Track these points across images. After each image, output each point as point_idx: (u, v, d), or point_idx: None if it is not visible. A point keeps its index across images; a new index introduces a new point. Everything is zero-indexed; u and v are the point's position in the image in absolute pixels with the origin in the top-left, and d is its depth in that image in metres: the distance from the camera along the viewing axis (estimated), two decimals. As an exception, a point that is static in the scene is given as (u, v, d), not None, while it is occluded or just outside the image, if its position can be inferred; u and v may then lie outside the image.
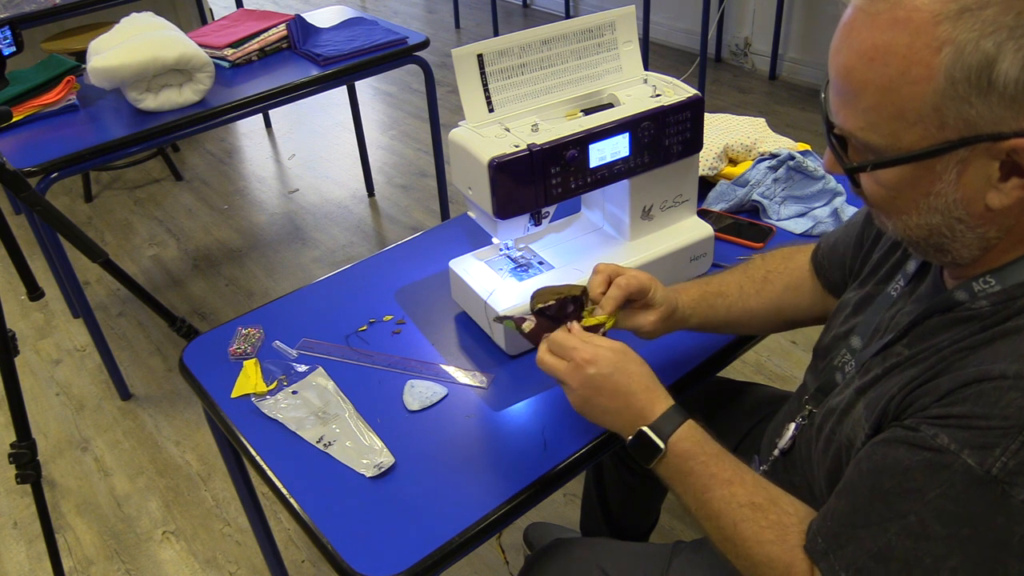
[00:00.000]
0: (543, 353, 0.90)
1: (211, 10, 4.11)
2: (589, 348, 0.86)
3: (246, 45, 2.37)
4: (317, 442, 1.02)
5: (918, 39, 0.60)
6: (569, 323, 0.93)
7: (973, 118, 0.60)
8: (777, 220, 1.39)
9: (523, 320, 0.95)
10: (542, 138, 1.05)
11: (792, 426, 0.91)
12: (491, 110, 1.10)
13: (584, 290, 0.96)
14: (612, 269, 0.96)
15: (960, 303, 0.71)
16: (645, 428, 0.83)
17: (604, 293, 0.94)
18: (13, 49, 2.20)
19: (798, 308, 1.05)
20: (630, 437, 0.84)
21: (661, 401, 0.85)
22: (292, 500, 0.95)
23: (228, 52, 2.33)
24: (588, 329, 0.93)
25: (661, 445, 0.82)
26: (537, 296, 0.96)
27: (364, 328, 1.22)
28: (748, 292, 1.04)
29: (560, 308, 0.95)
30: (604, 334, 0.94)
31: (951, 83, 0.60)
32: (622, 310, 0.96)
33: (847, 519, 0.70)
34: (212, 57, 2.25)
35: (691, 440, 0.82)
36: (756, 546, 0.76)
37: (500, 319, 1.01)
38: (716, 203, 1.44)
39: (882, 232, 0.91)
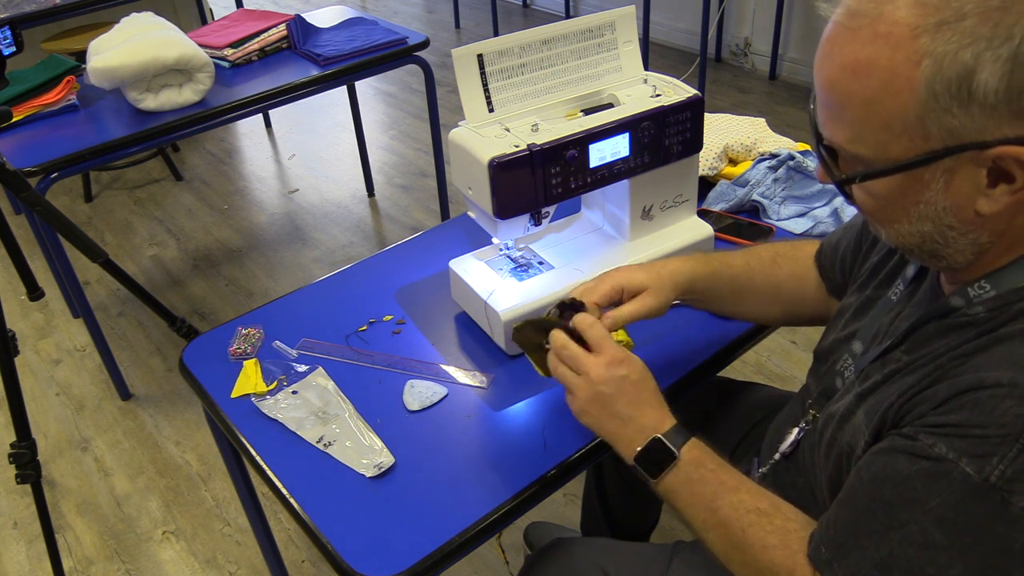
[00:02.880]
0: (552, 360, 0.90)
1: (211, 10, 4.11)
2: (621, 350, 0.88)
3: (246, 45, 2.37)
4: (317, 442, 1.02)
5: (898, 52, 0.61)
6: (569, 318, 0.93)
7: (956, 128, 0.61)
8: (777, 220, 1.39)
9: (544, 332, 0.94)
10: (542, 138, 1.05)
11: (795, 430, 0.92)
12: (491, 110, 1.10)
13: (574, 300, 0.94)
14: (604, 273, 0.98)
15: (956, 309, 0.71)
16: (660, 435, 0.84)
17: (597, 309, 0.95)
18: (13, 49, 2.20)
19: (801, 299, 1.05)
20: (639, 448, 0.84)
21: (670, 417, 0.87)
22: (292, 500, 0.95)
23: (228, 52, 2.33)
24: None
25: (676, 452, 0.83)
26: (518, 332, 0.95)
27: (364, 328, 1.22)
28: (754, 268, 1.04)
29: (560, 313, 0.94)
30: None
31: (932, 95, 0.60)
32: (620, 310, 0.97)
33: (850, 528, 0.70)
34: (212, 57, 2.25)
35: (701, 448, 0.83)
36: (761, 551, 0.76)
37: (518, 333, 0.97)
38: (716, 203, 1.44)
39: None
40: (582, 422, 0.89)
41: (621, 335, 0.96)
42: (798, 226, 1.37)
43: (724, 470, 0.82)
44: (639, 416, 0.85)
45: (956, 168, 0.63)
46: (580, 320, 0.89)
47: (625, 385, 0.86)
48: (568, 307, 0.94)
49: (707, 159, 1.47)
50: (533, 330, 0.95)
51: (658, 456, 0.83)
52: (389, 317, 1.25)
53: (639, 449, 0.84)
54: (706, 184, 1.48)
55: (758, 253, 1.06)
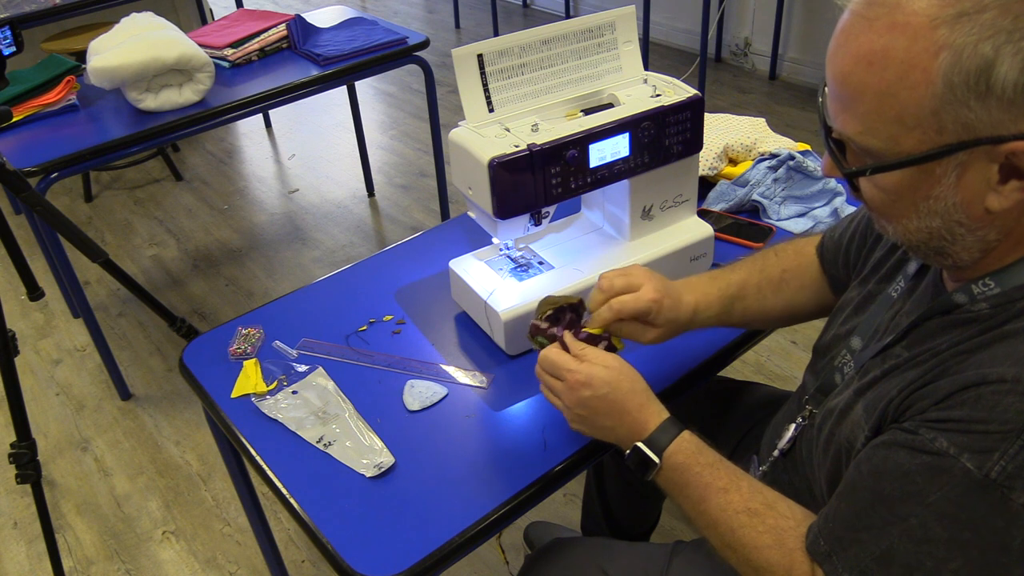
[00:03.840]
0: (538, 369, 0.92)
1: (211, 10, 4.11)
2: (584, 369, 0.87)
3: (246, 45, 2.37)
4: (317, 442, 1.02)
5: (916, 44, 0.60)
6: (561, 331, 0.93)
7: (972, 122, 0.60)
8: (777, 220, 1.39)
9: (554, 338, 0.95)
10: (542, 138, 1.05)
11: (792, 427, 0.92)
12: (491, 110, 1.10)
13: (581, 301, 0.96)
14: (613, 289, 0.95)
15: (959, 305, 0.71)
16: (640, 444, 0.85)
17: (608, 322, 0.95)
18: (13, 49, 2.20)
19: (807, 304, 1.05)
20: (627, 452, 0.86)
21: (655, 416, 0.86)
22: (292, 500, 0.95)
23: (228, 52, 2.33)
24: (590, 338, 0.94)
25: (656, 459, 0.83)
26: (542, 304, 0.97)
27: (364, 328, 1.22)
28: (765, 294, 1.04)
29: (557, 315, 0.95)
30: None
31: (949, 87, 0.60)
32: (622, 322, 0.96)
33: (849, 522, 0.70)
34: (212, 57, 2.25)
35: (685, 452, 0.83)
36: (755, 552, 0.76)
37: (534, 338, 0.99)
38: (716, 203, 1.44)
39: None
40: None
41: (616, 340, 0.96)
42: (798, 226, 1.37)
43: (713, 470, 0.81)
44: (619, 426, 0.87)
45: (968, 163, 0.63)
46: (542, 358, 0.91)
47: (594, 403, 0.87)
48: (567, 308, 0.95)
49: (707, 159, 1.47)
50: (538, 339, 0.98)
51: (641, 463, 0.84)
52: (389, 317, 1.25)
53: (627, 453, 0.86)
54: (706, 184, 1.48)
55: (768, 273, 1.04)
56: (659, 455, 0.83)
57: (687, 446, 0.83)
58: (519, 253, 1.23)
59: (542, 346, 0.96)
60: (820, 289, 1.04)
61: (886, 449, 0.69)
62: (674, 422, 0.86)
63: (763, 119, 1.58)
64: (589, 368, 0.87)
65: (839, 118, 0.67)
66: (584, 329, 0.95)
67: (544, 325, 0.96)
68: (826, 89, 0.69)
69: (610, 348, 0.95)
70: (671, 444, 0.83)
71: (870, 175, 0.68)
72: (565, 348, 0.92)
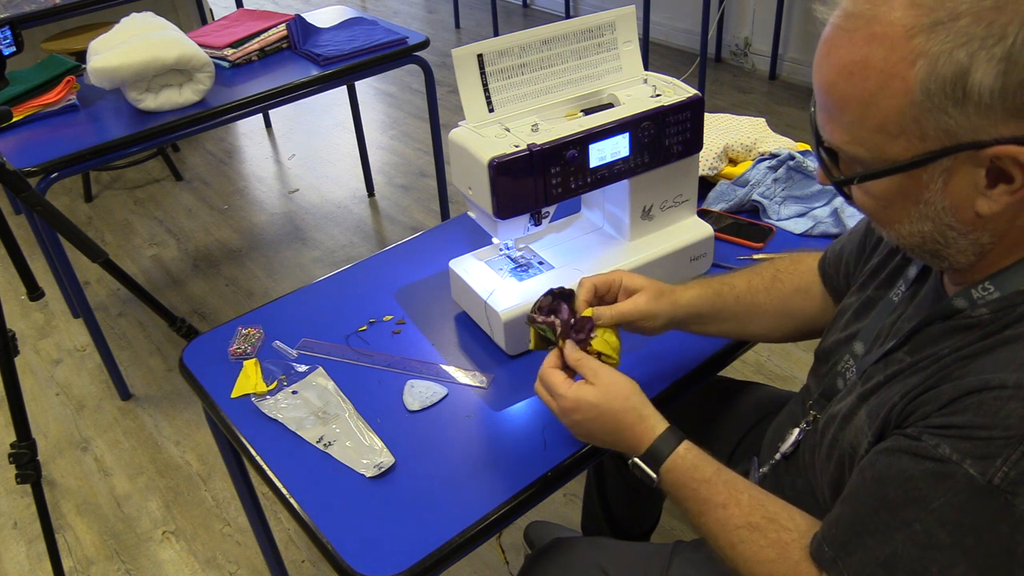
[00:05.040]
0: (537, 386, 0.93)
1: (211, 10, 4.11)
2: (571, 394, 0.88)
3: (246, 45, 2.37)
4: (317, 442, 1.02)
5: (893, 53, 0.61)
6: (557, 316, 0.94)
7: (952, 128, 0.61)
8: (777, 220, 1.39)
9: (553, 324, 0.95)
10: (542, 138, 1.05)
11: (796, 431, 0.92)
12: (491, 110, 1.10)
13: (571, 291, 0.97)
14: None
15: (960, 311, 0.71)
16: (637, 460, 0.86)
17: (586, 300, 0.96)
18: (13, 49, 2.20)
19: (807, 312, 1.04)
20: (629, 465, 0.88)
21: (651, 429, 0.86)
22: (292, 500, 0.95)
23: (228, 52, 2.33)
24: (581, 320, 0.94)
25: (653, 475, 0.84)
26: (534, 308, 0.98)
27: (364, 328, 1.22)
28: (757, 287, 1.03)
29: (552, 305, 0.95)
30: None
31: (927, 95, 0.61)
32: (607, 307, 0.97)
33: (854, 527, 0.70)
34: (212, 57, 2.25)
35: (680, 469, 0.83)
36: (757, 566, 0.76)
37: (541, 344, 1.00)
38: (716, 203, 1.44)
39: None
40: None
41: (606, 346, 0.94)
42: (798, 226, 1.37)
43: (710, 486, 0.81)
44: (618, 442, 0.88)
45: (954, 168, 0.63)
46: (541, 375, 0.92)
47: (586, 426, 0.88)
48: (557, 295, 0.96)
49: (707, 159, 1.47)
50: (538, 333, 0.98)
51: (641, 477, 0.86)
52: (389, 317, 1.25)
53: (630, 465, 0.87)
54: (706, 184, 1.48)
55: (759, 272, 1.05)
56: (656, 470, 0.84)
57: (683, 462, 0.83)
58: (519, 253, 1.23)
59: (543, 343, 0.96)
60: (820, 300, 1.04)
61: (889, 455, 0.69)
62: (673, 433, 0.85)
63: (763, 119, 1.58)
64: (576, 392, 0.87)
65: (827, 128, 0.69)
66: (578, 316, 0.95)
67: (540, 318, 0.95)
68: (816, 99, 0.70)
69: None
70: (667, 460, 0.83)
71: (859, 183, 0.69)
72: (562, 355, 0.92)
